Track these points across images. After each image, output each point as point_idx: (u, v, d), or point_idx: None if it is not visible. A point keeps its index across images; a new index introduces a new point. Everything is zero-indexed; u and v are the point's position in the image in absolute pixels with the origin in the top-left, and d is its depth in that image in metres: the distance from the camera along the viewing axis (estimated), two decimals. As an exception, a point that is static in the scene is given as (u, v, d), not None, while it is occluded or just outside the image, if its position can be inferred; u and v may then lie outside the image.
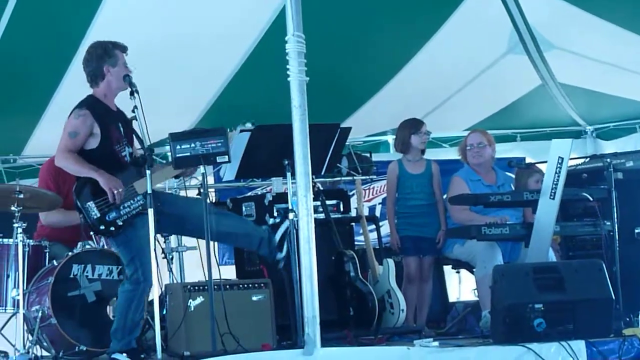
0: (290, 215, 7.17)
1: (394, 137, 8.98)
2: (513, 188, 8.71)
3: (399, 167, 8.62)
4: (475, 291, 8.39)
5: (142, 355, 6.91)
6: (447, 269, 9.33)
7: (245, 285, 7.37)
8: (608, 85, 10.66)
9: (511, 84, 10.89)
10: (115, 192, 6.72)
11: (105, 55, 6.94)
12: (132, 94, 6.80)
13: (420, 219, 8.53)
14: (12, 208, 7.39)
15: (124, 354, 6.75)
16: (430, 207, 8.58)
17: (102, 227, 6.81)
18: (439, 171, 8.65)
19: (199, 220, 6.73)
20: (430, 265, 8.62)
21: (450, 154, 9.24)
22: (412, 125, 8.65)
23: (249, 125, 7.30)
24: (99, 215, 6.79)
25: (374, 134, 11.61)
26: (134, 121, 6.81)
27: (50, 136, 8.36)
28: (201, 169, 6.75)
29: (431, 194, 8.59)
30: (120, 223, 6.80)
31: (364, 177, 9.16)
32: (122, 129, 6.94)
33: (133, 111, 6.78)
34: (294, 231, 6.99)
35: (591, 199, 7.85)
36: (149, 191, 6.60)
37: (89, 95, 7.00)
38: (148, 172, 6.63)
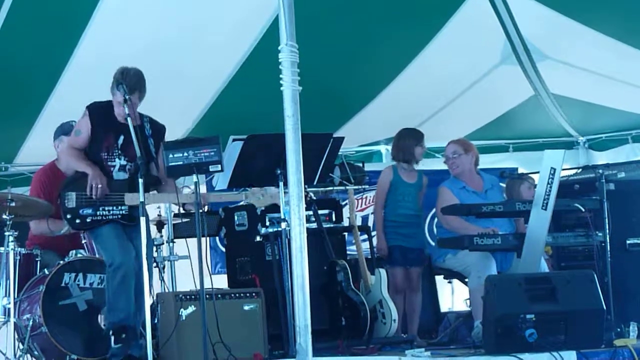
0: (283, 225, 7.18)
1: (392, 145, 8.96)
2: (502, 192, 8.74)
3: (393, 172, 8.62)
4: (468, 301, 8.39)
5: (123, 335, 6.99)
6: (439, 279, 9.33)
7: (237, 295, 7.36)
8: (600, 97, 10.68)
9: (504, 95, 10.91)
10: (95, 186, 6.94)
11: (114, 82, 7.08)
12: (125, 102, 6.83)
13: (407, 229, 8.53)
14: (4, 216, 7.38)
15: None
16: (417, 217, 8.63)
17: (68, 216, 7.07)
18: (426, 185, 8.68)
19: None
20: (418, 276, 8.61)
21: (443, 164, 9.24)
22: (417, 137, 8.67)
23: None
24: (73, 205, 7.04)
25: (366, 144, 11.62)
26: None
27: (42, 144, 8.37)
28: (194, 176, 6.75)
29: (419, 206, 8.61)
30: (89, 220, 7.01)
31: (356, 187, 9.15)
32: (120, 142, 7.03)
33: (125, 120, 6.82)
34: (286, 240, 6.99)
35: (583, 209, 7.86)
36: (141, 199, 6.61)
37: (109, 99, 7.15)
38: (140, 180, 6.64)
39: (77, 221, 7.06)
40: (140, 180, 6.65)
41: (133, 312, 7.02)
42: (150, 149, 7.06)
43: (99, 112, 7.09)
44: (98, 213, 7.02)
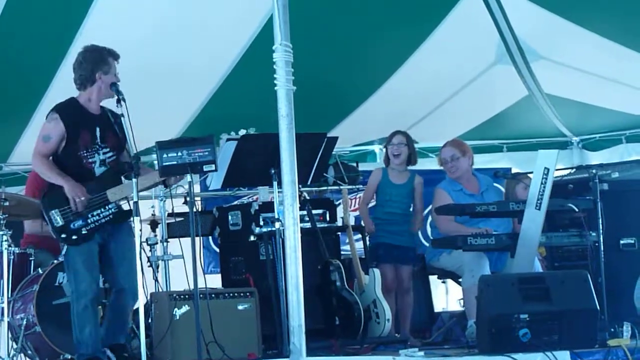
0: (277, 225, 7.18)
1: (382, 147, 8.99)
2: (497, 193, 8.75)
3: (382, 174, 8.61)
4: (461, 301, 8.39)
5: None
6: (433, 278, 9.34)
7: (231, 294, 7.36)
8: (594, 97, 10.69)
9: (498, 95, 10.92)
10: (77, 200, 6.73)
11: (100, 62, 6.95)
12: (118, 101, 6.79)
13: (394, 226, 8.51)
14: (-2, 215, 7.39)
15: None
16: (405, 217, 8.58)
17: (62, 236, 6.81)
18: (422, 185, 8.63)
19: (116, 273, 6.88)
20: (409, 276, 8.59)
21: (436, 164, 9.28)
22: (388, 138, 8.68)
23: (252, 129, 7.19)
24: (62, 223, 6.80)
25: (360, 144, 11.62)
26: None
27: (37, 144, 8.34)
28: (187, 177, 6.74)
29: (409, 205, 8.59)
30: (85, 232, 6.79)
31: (350, 187, 9.17)
32: (98, 134, 6.92)
33: (120, 119, 6.79)
34: (280, 240, 6.99)
35: (577, 209, 7.86)
36: (135, 199, 6.60)
37: (70, 97, 7.02)
38: (134, 180, 6.62)
39: (74, 237, 6.78)
40: (135, 180, 6.62)
41: (99, 342, 6.86)
42: (119, 136, 6.90)
43: (68, 111, 6.91)
44: (89, 221, 6.81)
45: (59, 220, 6.80)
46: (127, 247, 6.81)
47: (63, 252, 6.93)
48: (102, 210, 6.85)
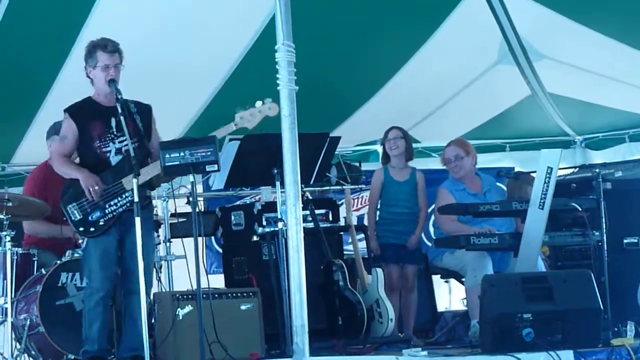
0: (280, 225, 7.18)
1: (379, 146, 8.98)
2: (500, 193, 8.73)
3: (384, 173, 8.62)
4: (464, 300, 8.39)
5: None
6: (436, 278, 9.33)
7: (234, 294, 7.36)
8: (597, 96, 10.68)
9: (501, 94, 10.90)
10: (92, 189, 6.77)
11: (87, 57, 7.01)
12: (117, 100, 6.79)
13: (401, 226, 8.52)
14: (0, 216, 7.37)
15: None
16: (411, 215, 8.58)
17: (81, 229, 6.88)
18: (424, 180, 8.64)
19: (128, 272, 6.87)
20: (414, 275, 8.59)
21: (439, 163, 9.28)
22: (384, 135, 8.67)
23: (268, 100, 7.11)
24: (80, 216, 6.86)
25: (363, 144, 11.61)
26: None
27: (39, 144, 8.34)
28: (190, 176, 6.74)
29: (414, 203, 8.59)
30: (103, 223, 6.83)
31: (353, 187, 9.16)
32: (114, 124, 6.91)
33: (118, 118, 6.77)
34: (283, 240, 6.99)
35: (580, 209, 7.85)
36: (136, 199, 6.59)
37: (86, 97, 7.08)
38: (134, 180, 6.61)
39: (92, 229, 6.84)
40: (135, 180, 6.62)
41: (106, 340, 6.89)
42: (139, 126, 6.87)
43: (79, 108, 6.98)
44: (107, 211, 6.84)
45: (76, 214, 6.87)
46: (142, 244, 6.75)
47: (83, 246, 7.00)
48: (119, 199, 6.87)
